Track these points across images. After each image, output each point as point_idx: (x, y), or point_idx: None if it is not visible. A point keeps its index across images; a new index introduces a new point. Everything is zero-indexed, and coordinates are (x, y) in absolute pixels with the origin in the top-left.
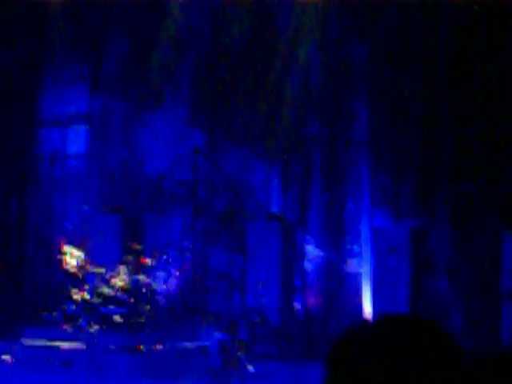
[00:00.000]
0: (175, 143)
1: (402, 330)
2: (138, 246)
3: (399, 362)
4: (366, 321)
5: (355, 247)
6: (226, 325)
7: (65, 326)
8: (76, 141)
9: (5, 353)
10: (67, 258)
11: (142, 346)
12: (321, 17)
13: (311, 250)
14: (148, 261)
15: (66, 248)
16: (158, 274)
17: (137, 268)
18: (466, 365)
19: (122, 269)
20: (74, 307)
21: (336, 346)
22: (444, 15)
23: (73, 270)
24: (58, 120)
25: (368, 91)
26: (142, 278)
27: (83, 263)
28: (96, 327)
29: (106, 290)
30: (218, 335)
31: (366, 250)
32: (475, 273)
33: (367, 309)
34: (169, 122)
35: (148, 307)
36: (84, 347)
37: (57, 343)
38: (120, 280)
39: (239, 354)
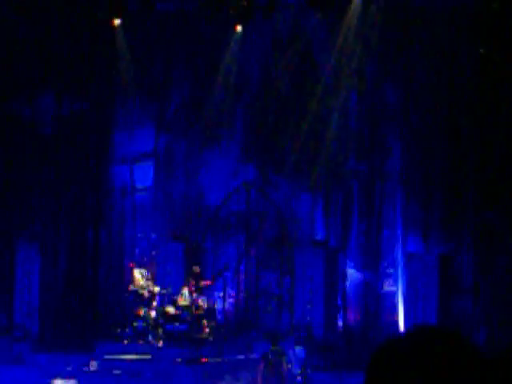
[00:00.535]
0: (230, 177)
1: (432, 338)
2: (198, 270)
3: (431, 368)
4: (399, 333)
5: (390, 269)
6: (277, 339)
7: (135, 341)
8: (143, 175)
9: (83, 365)
10: (137, 281)
11: (203, 359)
12: (358, 63)
13: (351, 273)
14: (208, 282)
15: (136, 271)
16: (216, 294)
17: (197, 289)
18: (488, 370)
19: (185, 290)
20: (143, 324)
21: (374, 355)
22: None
23: (141, 292)
24: (127, 157)
25: (401, 130)
26: (202, 298)
27: (151, 285)
28: (162, 342)
29: (170, 309)
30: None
31: (400, 272)
32: (498, 293)
33: (401, 324)
34: (225, 159)
35: (207, 324)
36: (151, 360)
37: (128, 356)
38: (183, 300)
39: (290, 366)
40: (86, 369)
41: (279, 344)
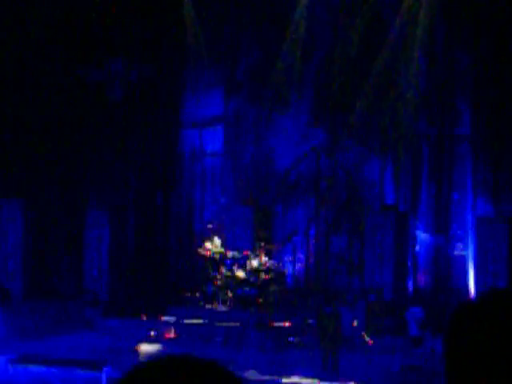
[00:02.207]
0: (300, 141)
1: (508, 301)
2: (267, 234)
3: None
4: (475, 297)
5: (460, 232)
6: (348, 302)
7: (205, 306)
8: (213, 140)
9: (151, 329)
10: (206, 245)
11: (272, 323)
12: (428, 27)
13: (421, 235)
14: (277, 246)
15: (205, 236)
16: (285, 258)
17: (267, 253)
18: None
19: (254, 254)
20: (213, 288)
21: (453, 319)
22: None
23: (211, 256)
24: (196, 121)
25: (470, 93)
26: (271, 262)
27: (220, 249)
28: (231, 306)
29: (240, 273)
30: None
31: (470, 236)
32: None
33: (471, 287)
34: (294, 123)
35: (277, 288)
36: (221, 324)
37: (198, 321)
38: (252, 264)
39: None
40: (160, 334)
41: (334, 307)
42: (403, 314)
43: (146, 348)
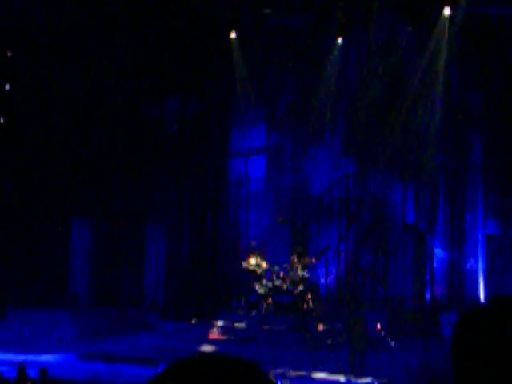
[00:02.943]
0: (332, 169)
1: (510, 307)
2: (303, 250)
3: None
4: (481, 303)
5: (471, 249)
6: (374, 309)
7: (249, 311)
8: (256, 168)
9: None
10: (250, 259)
11: (307, 327)
12: (444, 70)
13: (438, 252)
14: (311, 260)
15: (249, 251)
16: (318, 271)
17: (303, 266)
18: None
19: (292, 267)
20: (255, 297)
21: (460, 322)
22: None
23: (254, 268)
24: (242, 152)
25: (481, 128)
26: (306, 273)
27: (262, 263)
28: (272, 312)
29: (278, 283)
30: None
31: (481, 252)
32: None
33: (481, 297)
34: (327, 153)
35: (311, 296)
36: (263, 327)
37: (243, 324)
38: (290, 275)
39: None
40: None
41: (360, 312)
42: (438, 318)
43: (206, 348)
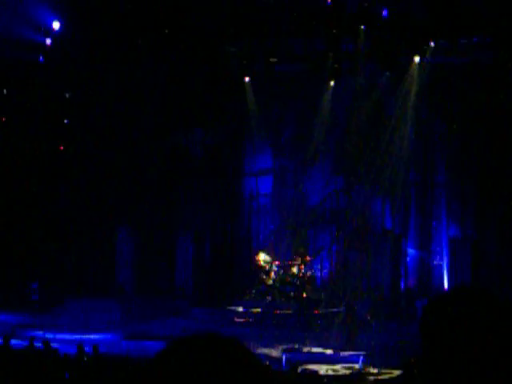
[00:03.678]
0: (325, 186)
1: (471, 294)
2: (303, 249)
3: (473, 317)
4: (444, 291)
5: (437, 249)
6: (359, 298)
7: (259, 299)
8: (265, 185)
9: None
10: (260, 257)
11: (307, 311)
12: (415, 107)
13: (410, 251)
14: (309, 258)
15: (260, 251)
16: (315, 266)
17: (303, 263)
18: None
19: (294, 264)
20: (265, 287)
21: (427, 308)
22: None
23: (263, 265)
24: (253, 172)
25: (445, 152)
26: (306, 269)
27: (270, 260)
28: (277, 299)
29: (283, 276)
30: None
31: (445, 251)
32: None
33: (446, 285)
34: (321, 173)
35: (309, 287)
36: (269, 312)
37: (255, 310)
38: (292, 270)
39: (368, 316)
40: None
41: (351, 300)
42: (414, 303)
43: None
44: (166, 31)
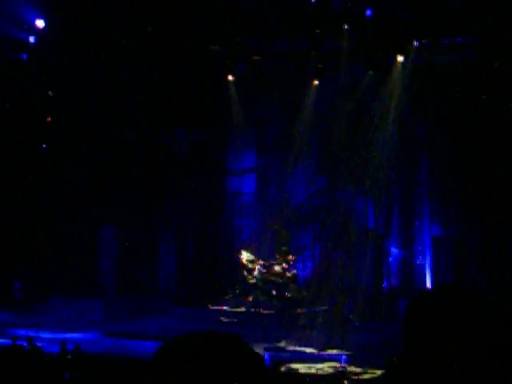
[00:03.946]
0: (308, 185)
1: (452, 291)
2: (285, 248)
3: (455, 312)
4: (427, 290)
5: (420, 248)
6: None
7: (241, 299)
8: (248, 184)
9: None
10: (243, 256)
11: (289, 310)
12: (398, 105)
13: (393, 251)
14: (292, 257)
15: (243, 250)
16: (298, 266)
17: (285, 262)
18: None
19: (277, 262)
20: (247, 286)
21: (410, 306)
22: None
23: (246, 263)
24: (237, 171)
25: (427, 152)
26: (288, 268)
27: (252, 259)
28: (261, 299)
29: (266, 276)
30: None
31: (427, 250)
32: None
33: (428, 285)
34: (304, 173)
35: (292, 286)
36: (252, 310)
37: (238, 309)
38: (275, 269)
39: (351, 316)
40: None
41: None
42: (396, 302)
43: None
44: (150, 30)
